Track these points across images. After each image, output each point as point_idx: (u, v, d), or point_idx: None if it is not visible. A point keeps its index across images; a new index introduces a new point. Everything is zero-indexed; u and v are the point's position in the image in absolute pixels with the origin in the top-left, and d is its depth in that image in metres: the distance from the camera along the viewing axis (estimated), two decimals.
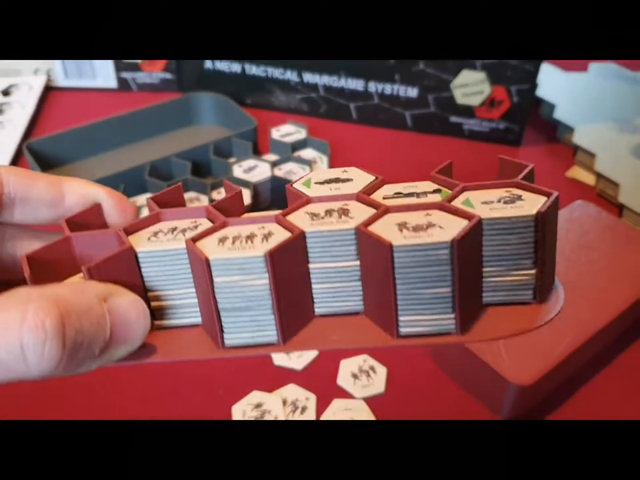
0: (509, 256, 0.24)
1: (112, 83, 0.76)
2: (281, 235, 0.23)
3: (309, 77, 0.70)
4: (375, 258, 0.23)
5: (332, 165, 0.63)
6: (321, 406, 0.43)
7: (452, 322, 0.23)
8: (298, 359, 0.45)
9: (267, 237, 0.23)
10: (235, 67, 0.72)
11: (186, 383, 0.44)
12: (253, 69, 0.71)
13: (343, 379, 0.44)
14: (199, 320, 0.25)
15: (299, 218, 0.24)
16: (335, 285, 0.24)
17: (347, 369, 0.45)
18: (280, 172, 0.59)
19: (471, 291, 0.24)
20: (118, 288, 0.22)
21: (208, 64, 0.72)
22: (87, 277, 0.22)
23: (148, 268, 0.24)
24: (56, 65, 0.75)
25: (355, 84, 0.69)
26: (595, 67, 0.79)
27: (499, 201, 0.24)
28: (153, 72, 0.75)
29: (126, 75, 0.75)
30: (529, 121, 0.70)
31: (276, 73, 0.71)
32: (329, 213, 0.24)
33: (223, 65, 0.72)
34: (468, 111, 0.68)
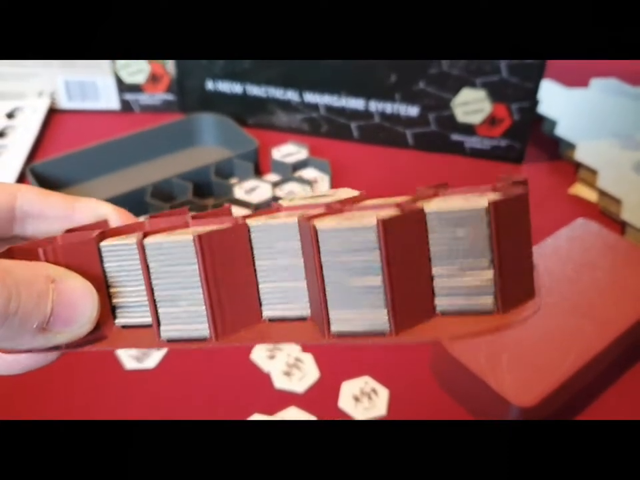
0: (461, 254, 0.21)
1: (114, 104, 0.76)
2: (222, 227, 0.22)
3: (309, 97, 0.70)
4: (306, 247, 0.21)
5: (333, 184, 0.63)
6: None
7: (385, 319, 0.21)
8: (299, 382, 0.45)
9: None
10: (236, 87, 0.72)
11: (184, 408, 0.44)
12: (254, 90, 0.72)
13: (345, 401, 0.44)
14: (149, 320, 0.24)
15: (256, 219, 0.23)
16: (280, 285, 0.23)
17: (348, 391, 0.45)
18: (281, 192, 0.60)
19: (412, 288, 0.21)
20: (70, 272, 0.22)
21: (209, 85, 0.73)
22: (42, 258, 0.22)
23: (109, 263, 0.23)
24: (59, 87, 0.75)
25: (356, 103, 0.69)
26: (596, 82, 0.79)
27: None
28: (155, 93, 0.75)
29: (128, 96, 0.76)
30: (531, 138, 0.70)
31: (277, 93, 0.71)
32: (289, 216, 0.23)
33: (224, 86, 0.72)
34: (469, 129, 0.68)
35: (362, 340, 0.21)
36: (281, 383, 0.45)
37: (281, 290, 0.23)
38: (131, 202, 0.57)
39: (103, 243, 0.23)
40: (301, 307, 0.23)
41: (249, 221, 0.22)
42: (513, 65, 0.63)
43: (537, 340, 0.43)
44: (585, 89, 0.78)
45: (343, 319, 0.21)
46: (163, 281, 0.23)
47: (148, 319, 0.23)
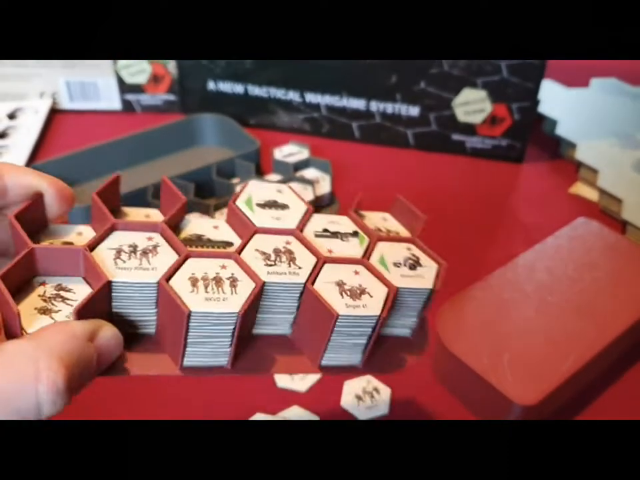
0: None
1: (116, 104, 0.76)
2: (245, 284, 0.26)
3: (311, 97, 0.71)
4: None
5: (334, 184, 0.63)
6: None
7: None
8: (301, 381, 0.45)
9: (233, 283, 0.26)
10: (238, 88, 0.72)
11: (187, 408, 0.44)
12: (256, 90, 0.72)
13: (347, 400, 0.44)
14: (152, 331, 0.27)
15: (251, 256, 0.27)
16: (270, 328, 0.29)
17: (350, 390, 0.45)
18: None
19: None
20: (100, 323, 0.25)
21: (211, 85, 0.73)
22: (75, 317, 0.24)
23: (118, 294, 0.25)
24: (61, 88, 0.76)
25: (357, 103, 0.70)
26: (597, 82, 0.79)
27: (404, 265, 0.29)
28: (157, 94, 0.75)
29: (130, 96, 0.76)
30: (532, 138, 0.70)
31: (278, 93, 0.71)
32: (278, 255, 0.28)
33: (225, 86, 0.73)
34: (470, 129, 0.68)
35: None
36: (283, 382, 0.45)
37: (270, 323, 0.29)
38: (133, 202, 0.57)
39: (115, 280, 0.25)
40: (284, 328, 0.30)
41: (264, 277, 0.27)
42: (514, 65, 0.63)
43: (538, 339, 0.43)
44: (585, 88, 0.78)
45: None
46: (197, 332, 0.26)
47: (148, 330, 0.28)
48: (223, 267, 0.27)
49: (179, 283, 0.25)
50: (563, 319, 0.45)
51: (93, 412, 0.44)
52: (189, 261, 0.26)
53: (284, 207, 0.30)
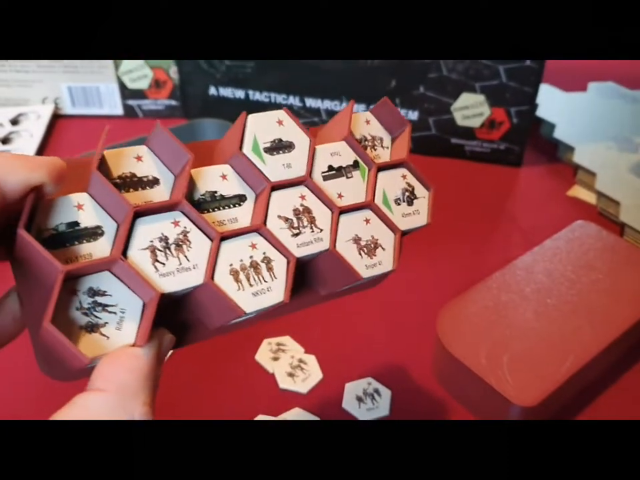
0: None
1: (118, 110, 0.77)
2: (279, 262, 0.27)
3: (311, 102, 0.71)
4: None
5: None
6: None
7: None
8: (303, 383, 0.46)
9: (269, 266, 0.27)
10: (239, 93, 0.73)
11: (189, 410, 0.45)
12: (257, 95, 0.72)
13: (348, 402, 0.45)
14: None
15: (277, 227, 0.28)
16: None
17: (351, 392, 0.45)
18: None
19: None
20: (160, 337, 0.25)
21: (212, 90, 0.74)
22: (142, 344, 0.24)
23: (165, 300, 0.25)
24: (63, 93, 0.76)
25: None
26: (594, 86, 0.80)
27: (403, 200, 0.32)
28: (158, 99, 0.76)
29: (132, 102, 0.76)
30: (530, 141, 0.70)
31: (279, 98, 0.72)
32: (299, 218, 0.28)
33: (226, 92, 0.73)
34: (468, 133, 0.69)
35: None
36: (285, 384, 0.46)
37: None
38: None
39: (165, 292, 0.24)
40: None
41: (294, 252, 0.28)
42: (512, 69, 0.64)
43: (537, 340, 0.44)
44: (583, 92, 0.79)
45: None
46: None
47: None
48: (253, 246, 0.27)
49: (223, 279, 0.25)
50: (562, 320, 0.45)
51: None
52: (222, 245, 0.26)
53: (290, 146, 0.30)
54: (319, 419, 0.44)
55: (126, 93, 0.76)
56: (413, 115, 0.69)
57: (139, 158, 0.26)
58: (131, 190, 0.25)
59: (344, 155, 0.32)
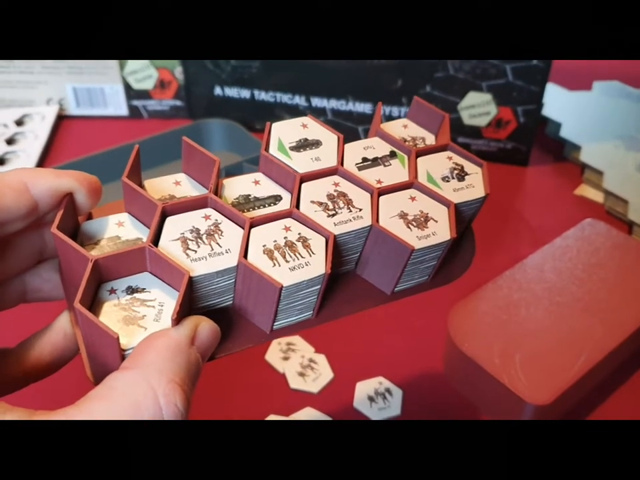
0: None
1: (123, 110, 0.77)
2: (316, 241, 0.26)
3: (317, 102, 0.71)
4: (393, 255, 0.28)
5: None
6: None
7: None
8: (314, 383, 0.46)
9: (305, 244, 0.26)
10: (244, 93, 0.73)
11: (201, 410, 0.45)
12: (262, 95, 0.72)
13: (360, 401, 0.44)
14: (230, 304, 0.27)
15: (310, 210, 0.27)
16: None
17: (363, 391, 0.45)
18: None
19: None
20: (197, 321, 0.24)
21: (217, 91, 0.73)
22: (174, 324, 0.23)
23: (199, 285, 0.25)
24: (68, 94, 0.76)
25: (363, 107, 0.70)
26: (599, 85, 0.80)
27: (452, 177, 0.30)
28: (163, 99, 0.76)
29: (137, 102, 0.76)
30: (536, 140, 0.70)
31: (284, 98, 0.72)
32: (334, 202, 0.27)
33: (232, 92, 0.73)
34: (475, 132, 0.69)
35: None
36: (295, 383, 0.46)
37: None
38: None
39: (194, 275, 0.24)
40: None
41: (332, 229, 0.27)
42: (519, 69, 0.64)
43: (549, 340, 0.44)
44: (588, 91, 0.79)
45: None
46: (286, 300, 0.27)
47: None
48: (287, 228, 0.26)
49: (257, 258, 0.25)
50: (573, 319, 0.45)
51: None
52: (253, 230, 0.26)
53: (317, 143, 0.29)
54: (330, 418, 0.43)
55: (131, 93, 0.76)
56: None
57: (177, 183, 0.28)
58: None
59: (378, 147, 0.30)
